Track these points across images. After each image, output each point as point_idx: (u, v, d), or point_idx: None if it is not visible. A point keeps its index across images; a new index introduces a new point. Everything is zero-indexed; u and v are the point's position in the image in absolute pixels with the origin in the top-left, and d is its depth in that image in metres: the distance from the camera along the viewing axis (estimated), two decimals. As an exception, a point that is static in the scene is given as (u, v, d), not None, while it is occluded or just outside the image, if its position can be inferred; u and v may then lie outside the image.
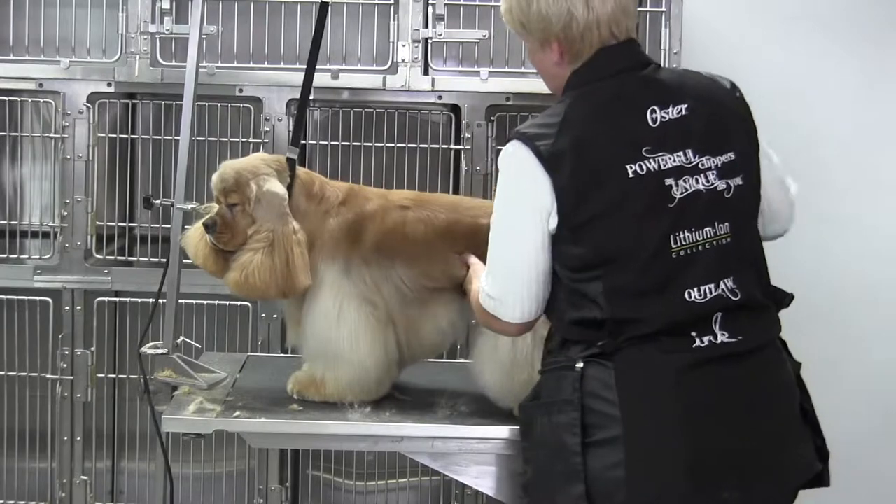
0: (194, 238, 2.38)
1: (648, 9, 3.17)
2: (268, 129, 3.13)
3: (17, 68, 3.17)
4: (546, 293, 2.00)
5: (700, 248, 1.95)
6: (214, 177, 2.34)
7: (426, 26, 3.11)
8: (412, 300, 2.35)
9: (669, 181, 1.95)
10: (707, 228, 1.96)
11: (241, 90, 3.15)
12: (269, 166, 2.34)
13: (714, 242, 1.97)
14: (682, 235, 1.94)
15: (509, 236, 1.99)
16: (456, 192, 3.26)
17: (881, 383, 3.65)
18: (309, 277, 2.29)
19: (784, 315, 3.64)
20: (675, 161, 1.96)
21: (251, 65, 3.19)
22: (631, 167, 1.94)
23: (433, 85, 3.13)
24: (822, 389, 3.58)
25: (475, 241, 2.26)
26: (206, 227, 2.31)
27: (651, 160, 1.95)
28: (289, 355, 2.51)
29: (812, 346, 3.60)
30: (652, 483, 1.87)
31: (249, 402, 2.33)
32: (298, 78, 3.07)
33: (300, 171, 2.40)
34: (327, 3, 2.41)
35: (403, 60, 3.13)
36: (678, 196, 1.95)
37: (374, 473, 3.38)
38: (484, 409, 2.31)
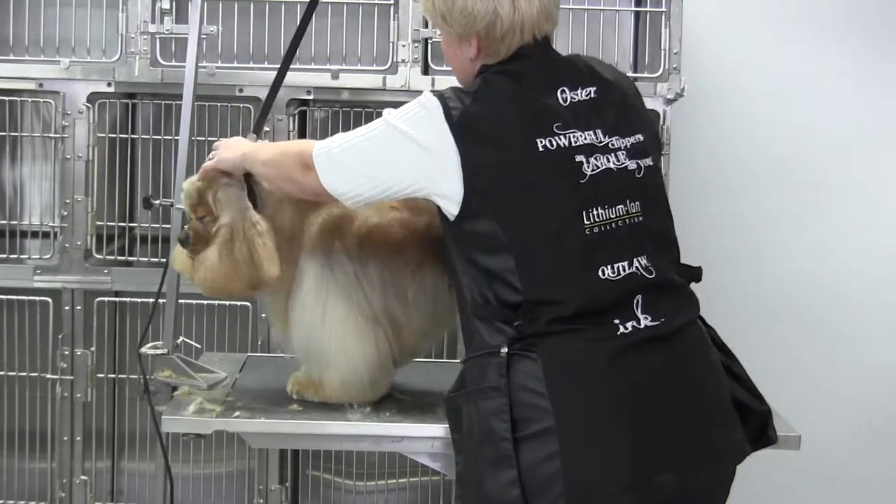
0: (179, 255, 2.36)
1: (648, 9, 3.17)
2: (267, 128, 3.13)
3: (17, 68, 3.17)
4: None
5: (613, 225, 1.96)
6: (181, 196, 2.33)
7: (426, 26, 3.11)
8: (392, 301, 2.33)
9: (580, 158, 1.96)
10: (619, 206, 1.97)
11: (241, 90, 3.15)
12: (226, 172, 2.31)
13: (626, 220, 1.98)
14: (595, 212, 1.95)
15: (395, 144, 2.01)
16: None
17: (881, 383, 3.65)
18: (278, 267, 2.24)
19: (785, 313, 3.64)
20: (585, 139, 1.97)
21: (251, 65, 3.19)
22: (541, 141, 1.95)
23: (433, 85, 3.12)
24: (823, 388, 3.61)
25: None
26: (181, 241, 2.30)
27: (562, 136, 1.96)
28: (289, 355, 2.51)
29: (812, 346, 3.63)
30: (589, 473, 1.86)
31: (249, 402, 2.33)
32: (299, 78, 3.10)
33: None
34: (316, 1, 2.41)
35: (403, 60, 3.13)
36: (589, 173, 1.96)
37: (374, 473, 3.38)
38: (484, 409, 2.31)
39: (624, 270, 1.94)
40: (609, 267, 1.94)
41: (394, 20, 3.13)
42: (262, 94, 3.11)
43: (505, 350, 1.92)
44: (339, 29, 3.23)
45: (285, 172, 2.14)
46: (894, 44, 3.59)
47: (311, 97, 3.17)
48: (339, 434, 2.24)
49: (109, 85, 3.15)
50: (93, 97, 3.16)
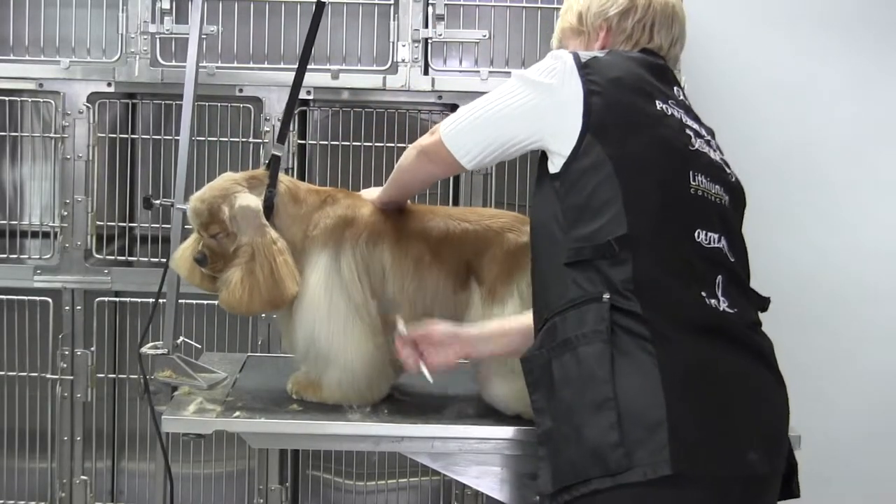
0: (185, 262, 2.35)
1: (648, 9, 3.17)
2: (268, 129, 3.13)
3: (17, 68, 3.17)
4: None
5: (711, 197, 1.99)
6: (188, 214, 2.31)
7: (426, 26, 3.11)
8: (395, 305, 2.33)
9: (689, 132, 2.01)
10: (717, 186, 2.01)
11: (241, 90, 3.15)
12: (239, 184, 2.30)
13: (720, 201, 2.00)
14: (699, 177, 1.98)
15: (508, 106, 2.04)
16: (455, 192, 3.26)
17: (880, 382, 3.66)
18: (297, 284, 2.26)
19: (784, 314, 3.64)
20: (692, 124, 2.03)
21: (251, 65, 3.19)
22: (658, 103, 1.99)
23: (433, 85, 3.13)
24: (821, 388, 3.61)
25: (452, 248, 2.29)
26: (198, 261, 2.29)
27: (675, 110, 2.01)
28: (288, 355, 2.51)
29: (811, 345, 3.63)
30: (694, 429, 1.83)
31: (249, 402, 2.33)
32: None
33: (283, 179, 2.35)
34: (323, 3, 2.41)
35: (403, 60, 3.13)
36: (696, 146, 2.00)
37: (374, 473, 3.38)
38: (484, 410, 2.31)
39: (714, 242, 1.95)
40: (703, 232, 1.95)
41: (394, 20, 3.13)
42: (263, 94, 3.14)
43: (607, 296, 1.89)
44: (339, 29, 3.23)
45: (428, 153, 2.17)
46: (893, 43, 3.59)
47: (311, 97, 3.17)
48: (339, 434, 2.24)
49: (109, 85, 3.15)
50: (93, 97, 3.16)
